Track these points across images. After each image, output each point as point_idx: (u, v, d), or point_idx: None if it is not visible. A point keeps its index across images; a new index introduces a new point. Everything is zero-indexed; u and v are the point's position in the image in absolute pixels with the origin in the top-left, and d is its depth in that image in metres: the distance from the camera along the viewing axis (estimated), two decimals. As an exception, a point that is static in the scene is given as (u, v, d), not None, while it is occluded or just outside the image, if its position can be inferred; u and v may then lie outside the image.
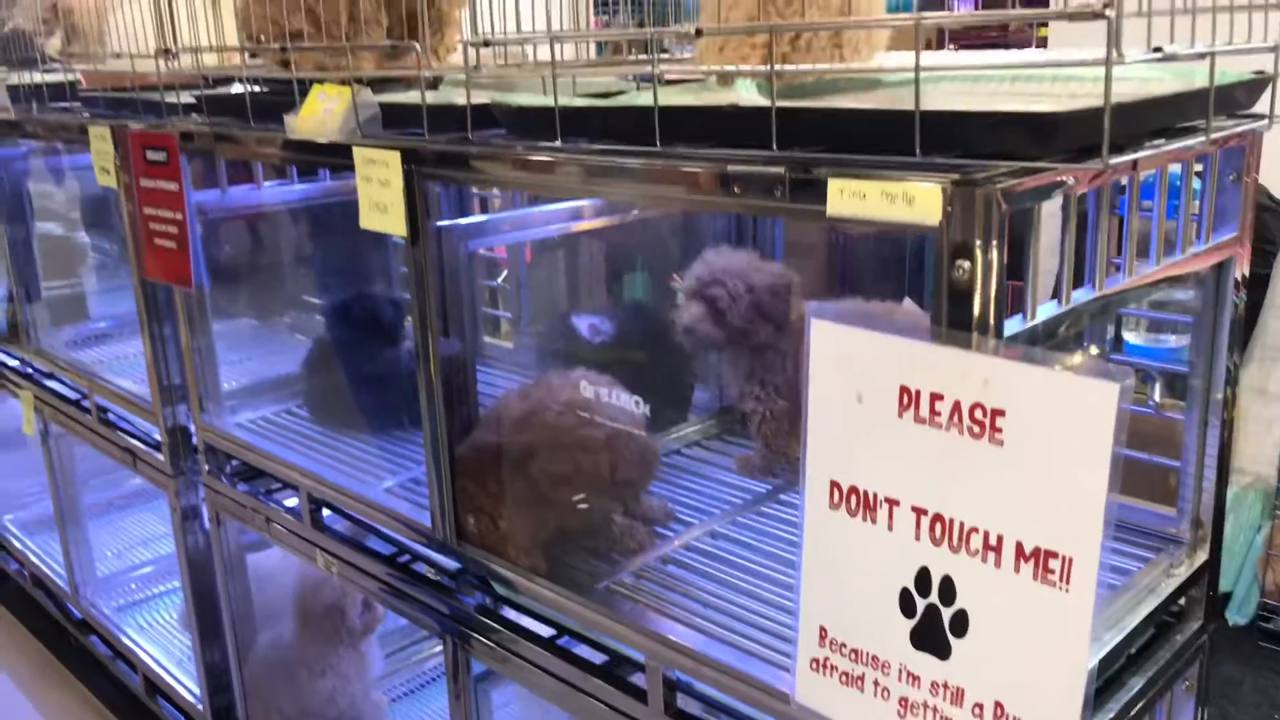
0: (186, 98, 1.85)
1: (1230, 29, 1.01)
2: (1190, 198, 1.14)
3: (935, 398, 0.84)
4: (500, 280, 2.27)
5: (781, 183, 0.92)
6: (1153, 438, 1.39)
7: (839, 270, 1.84)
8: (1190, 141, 0.98)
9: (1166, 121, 1.03)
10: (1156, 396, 1.34)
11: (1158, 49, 0.82)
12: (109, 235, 2.72)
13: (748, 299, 1.49)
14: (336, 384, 1.96)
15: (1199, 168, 1.15)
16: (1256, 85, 1.14)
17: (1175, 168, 1.09)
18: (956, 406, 0.83)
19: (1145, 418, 1.39)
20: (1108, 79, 0.78)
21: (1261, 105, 1.17)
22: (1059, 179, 0.87)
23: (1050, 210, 0.90)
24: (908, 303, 1.43)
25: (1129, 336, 1.44)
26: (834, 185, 0.88)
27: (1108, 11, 0.76)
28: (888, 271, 1.73)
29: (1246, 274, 1.25)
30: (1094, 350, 1.37)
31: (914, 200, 0.83)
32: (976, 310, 0.83)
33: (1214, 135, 0.98)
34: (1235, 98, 1.13)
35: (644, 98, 1.14)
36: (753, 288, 1.50)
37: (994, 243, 0.82)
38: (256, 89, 1.74)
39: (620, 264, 2.02)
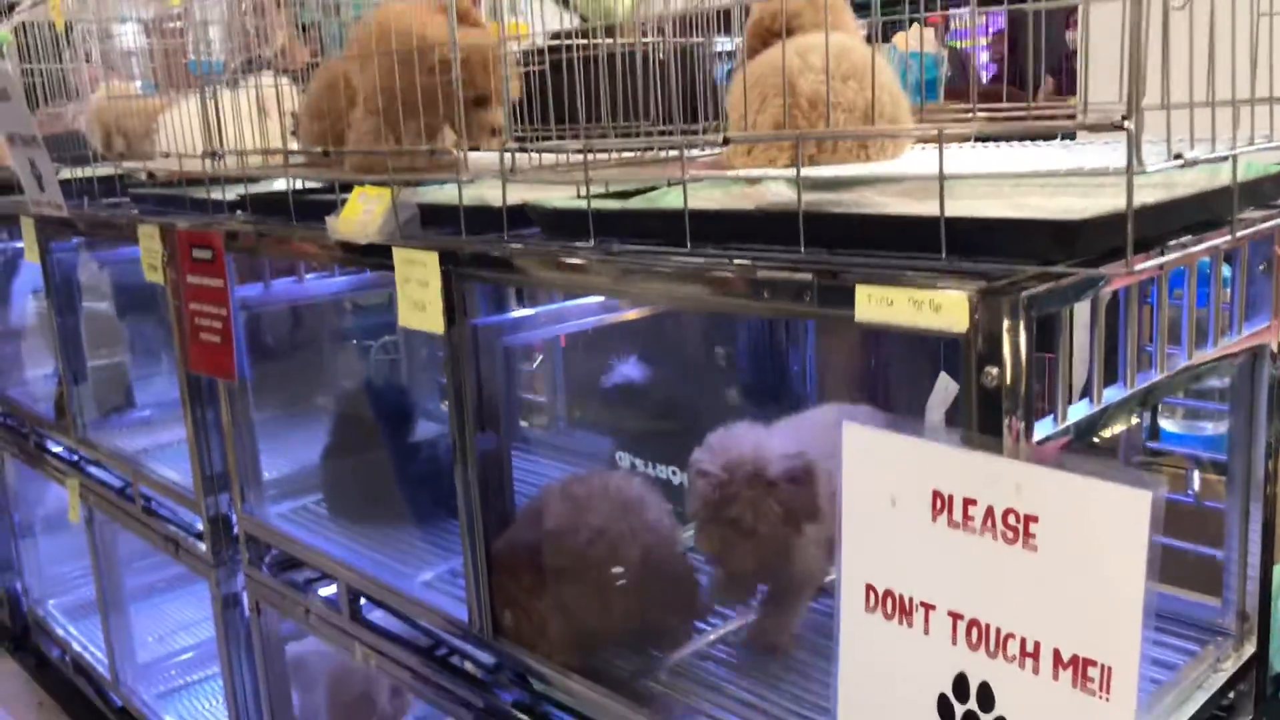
0: (232, 194, 1.91)
1: (1252, 121, 1.02)
2: (1220, 287, 1.14)
3: (968, 502, 0.84)
4: (535, 365, 2.30)
5: (810, 289, 0.94)
6: (1197, 522, 1.38)
7: (876, 349, 1.84)
8: (1216, 241, 0.99)
9: (1193, 218, 1.04)
10: (1196, 485, 1.33)
11: (1178, 155, 0.83)
12: (155, 324, 2.79)
13: (770, 508, 1.22)
14: (369, 475, 1.98)
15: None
16: (1283, 177, 1.15)
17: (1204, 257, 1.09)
18: (990, 511, 0.83)
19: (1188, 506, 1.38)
20: (1129, 190, 0.79)
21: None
22: (1085, 281, 0.88)
23: (1078, 313, 0.91)
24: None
25: (1166, 424, 1.43)
26: (861, 292, 0.89)
27: (1127, 124, 0.78)
28: (926, 352, 1.72)
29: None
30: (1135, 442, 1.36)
31: (940, 308, 0.84)
32: (1006, 415, 0.83)
33: (1240, 233, 0.99)
34: (1262, 190, 1.14)
35: (675, 197, 1.17)
36: (771, 483, 1.22)
37: (1021, 348, 0.83)
38: (300, 186, 1.79)
39: (656, 346, 2.04)
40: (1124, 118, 0.78)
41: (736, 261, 1.03)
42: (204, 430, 2.03)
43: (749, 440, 1.23)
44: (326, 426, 2.07)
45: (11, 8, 2.79)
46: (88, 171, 2.46)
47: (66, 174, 2.52)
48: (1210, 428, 1.40)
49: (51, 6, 2.64)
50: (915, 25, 3.09)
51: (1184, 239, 0.98)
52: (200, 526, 2.10)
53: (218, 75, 2.00)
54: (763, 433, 1.26)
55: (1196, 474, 1.34)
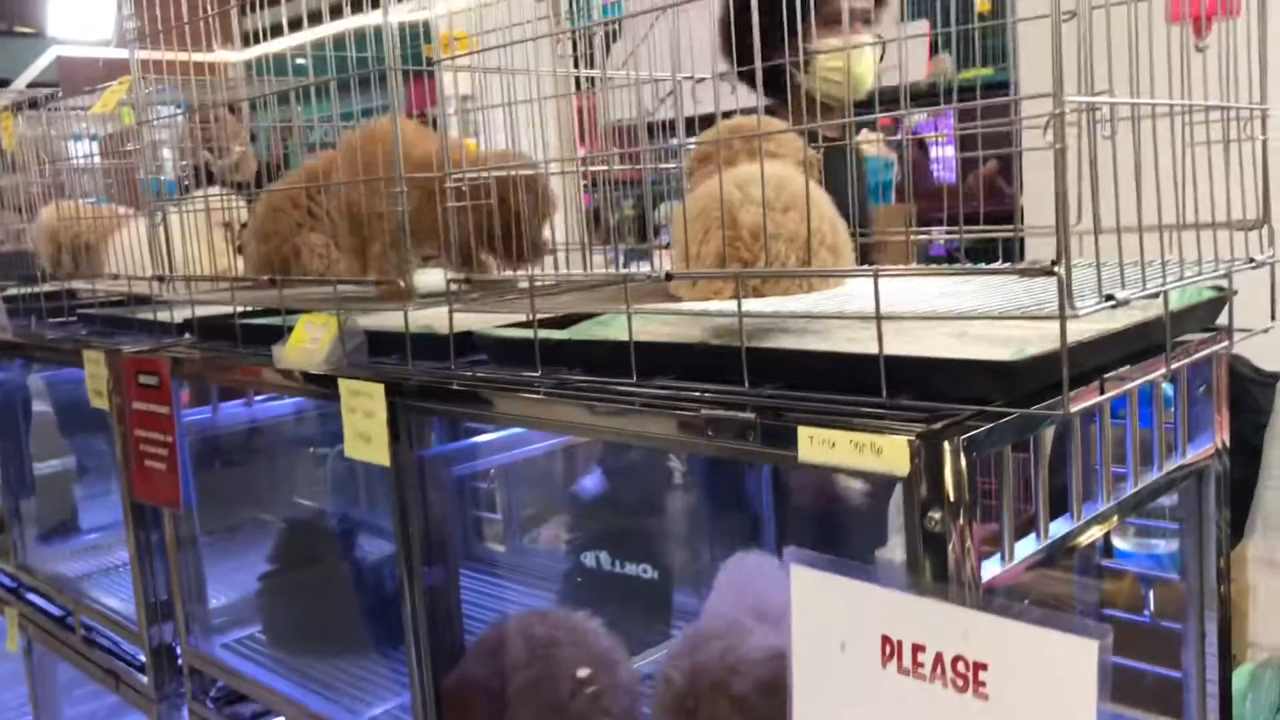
0: (181, 315, 1.89)
1: (1179, 250, 1.04)
2: (1162, 408, 1.15)
3: (917, 648, 0.83)
4: (491, 482, 2.27)
5: (753, 428, 0.93)
6: (1155, 641, 1.36)
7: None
8: (1153, 375, 1.00)
9: (1133, 345, 1.05)
10: (1151, 605, 1.32)
11: (1109, 297, 0.84)
12: (103, 441, 2.73)
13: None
14: (317, 600, 1.93)
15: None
16: (1217, 302, 1.17)
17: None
18: (939, 658, 0.82)
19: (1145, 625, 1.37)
20: (1063, 333, 0.80)
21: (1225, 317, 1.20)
22: (1025, 420, 0.88)
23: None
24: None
25: (1119, 543, 1.44)
26: (804, 433, 0.89)
27: (1058, 270, 0.79)
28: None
29: (1228, 442, 1.24)
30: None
31: (882, 451, 0.84)
32: (951, 559, 0.83)
33: (1176, 364, 1.00)
34: (1197, 316, 1.16)
35: (620, 328, 1.17)
36: (736, 696, 1.13)
37: (965, 490, 0.83)
38: (247, 308, 1.77)
39: (615, 460, 2.02)
40: (1054, 263, 0.79)
41: (680, 399, 1.02)
42: (148, 557, 1.97)
43: (716, 644, 1.15)
44: (271, 550, 2.02)
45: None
46: (35, 289, 2.45)
47: (14, 290, 2.50)
48: (1162, 545, 1.40)
49: (3, 128, 2.65)
50: (865, 130, 3.16)
51: (1123, 370, 0.99)
52: (143, 658, 2.03)
53: (169, 195, 2.00)
54: (736, 630, 1.17)
55: (1152, 593, 1.34)
